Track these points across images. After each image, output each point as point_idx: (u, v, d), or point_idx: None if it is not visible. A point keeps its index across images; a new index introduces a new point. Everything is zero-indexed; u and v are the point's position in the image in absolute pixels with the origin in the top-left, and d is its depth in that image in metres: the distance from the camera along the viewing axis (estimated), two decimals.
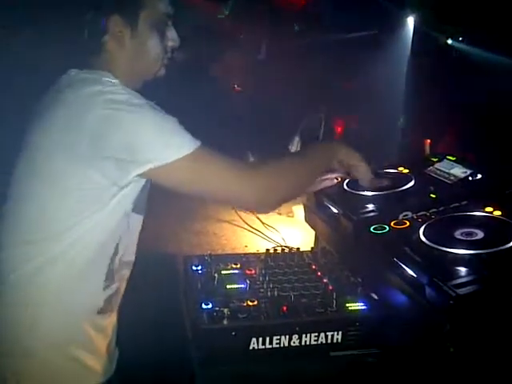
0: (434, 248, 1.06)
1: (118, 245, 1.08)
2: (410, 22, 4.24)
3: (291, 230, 1.83)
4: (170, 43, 1.17)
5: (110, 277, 1.08)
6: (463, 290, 0.93)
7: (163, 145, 1.00)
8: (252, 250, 1.67)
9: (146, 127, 1.00)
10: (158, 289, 1.30)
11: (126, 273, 1.15)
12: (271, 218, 1.97)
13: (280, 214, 2.00)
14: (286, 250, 1.40)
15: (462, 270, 0.99)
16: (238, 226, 1.86)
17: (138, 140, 0.99)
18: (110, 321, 1.12)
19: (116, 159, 0.99)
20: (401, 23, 4.19)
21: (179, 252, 1.53)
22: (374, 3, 3.85)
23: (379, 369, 1.08)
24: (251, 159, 2.23)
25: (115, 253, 1.08)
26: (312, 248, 1.43)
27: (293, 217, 1.95)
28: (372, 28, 4.13)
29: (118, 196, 1.03)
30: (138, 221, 1.14)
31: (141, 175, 1.01)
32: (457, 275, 0.97)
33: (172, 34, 1.16)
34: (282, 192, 1.15)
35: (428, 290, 0.97)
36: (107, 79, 1.06)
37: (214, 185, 1.07)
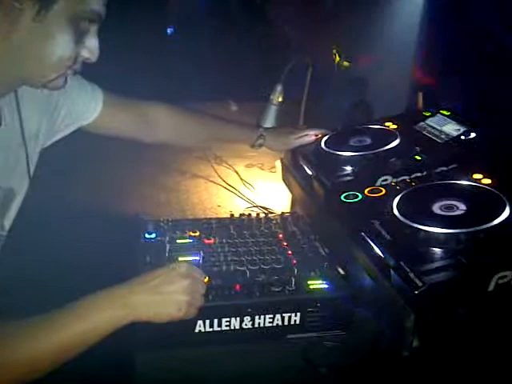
0: (405, 224, 0.92)
1: None
2: None
3: (271, 188, 1.69)
4: (84, 53, 0.87)
5: None
6: (431, 277, 0.80)
7: None
8: (225, 210, 1.55)
9: None
10: (109, 259, 1.19)
11: None
12: (252, 172, 1.83)
13: (262, 168, 1.86)
14: (254, 215, 1.27)
15: (435, 252, 0.86)
16: (214, 182, 1.72)
17: None
18: None
19: None
20: None
21: (143, 212, 1.40)
22: None
23: (339, 352, 0.97)
24: (234, 108, 2.06)
25: None
26: (283, 212, 1.29)
27: (275, 172, 1.81)
28: None
29: None
30: None
31: None
32: (427, 259, 0.84)
33: (92, 43, 0.86)
34: None
35: (393, 275, 0.85)
36: None
37: None
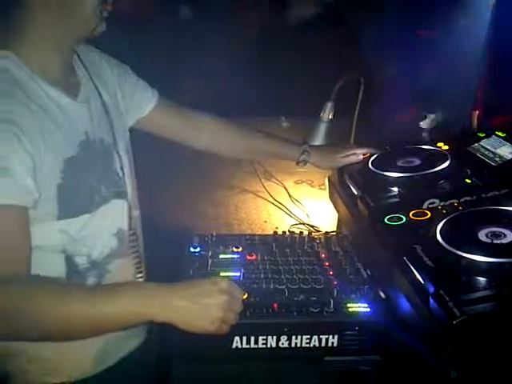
0: (447, 250, 0.90)
1: None
2: None
3: (319, 206, 1.69)
4: None
5: None
6: (471, 308, 0.77)
7: None
8: (271, 226, 1.57)
9: None
10: (155, 270, 1.23)
11: None
12: (301, 188, 1.83)
13: (312, 185, 1.86)
14: (297, 233, 1.27)
15: (477, 282, 0.83)
16: (262, 198, 1.74)
17: None
18: None
19: None
20: None
21: (192, 226, 1.44)
22: None
23: (376, 378, 0.96)
24: (284, 124, 2.08)
25: None
26: (327, 232, 1.29)
27: (325, 190, 1.80)
28: None
29: None
30: None
31: None
32: (468, 289, 0.81)
33: None
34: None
35: (432, 303, 0.82)
36: None
37: None
